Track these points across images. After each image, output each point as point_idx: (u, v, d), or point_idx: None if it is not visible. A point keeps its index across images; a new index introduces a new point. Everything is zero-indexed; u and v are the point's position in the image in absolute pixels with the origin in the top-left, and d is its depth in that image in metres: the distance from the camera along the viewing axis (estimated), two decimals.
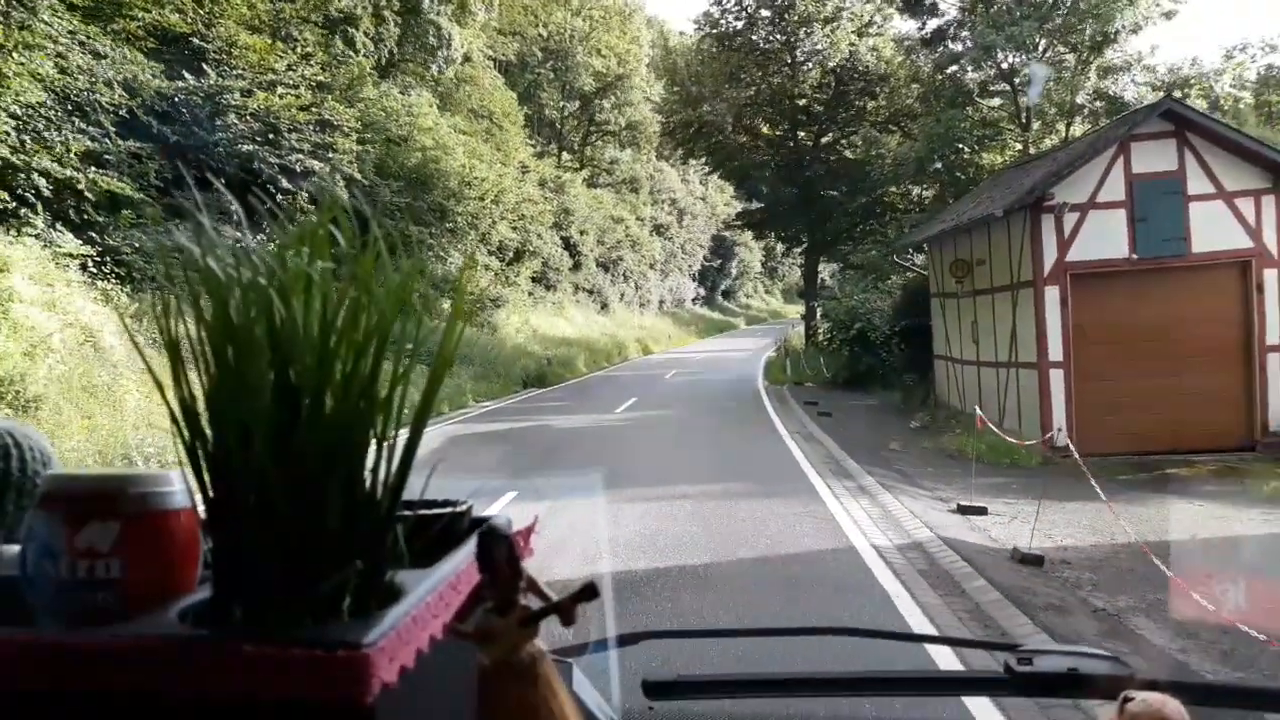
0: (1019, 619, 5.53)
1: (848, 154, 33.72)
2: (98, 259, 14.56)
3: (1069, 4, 22.96)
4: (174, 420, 0.62)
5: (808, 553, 7.36)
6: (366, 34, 30.22)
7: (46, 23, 14.66)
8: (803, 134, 34.57)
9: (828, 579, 6.65)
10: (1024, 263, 13.71)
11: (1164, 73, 25.94)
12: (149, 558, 0.64)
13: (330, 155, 21.66)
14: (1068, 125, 25.33)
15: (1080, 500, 9.00)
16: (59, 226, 14.45)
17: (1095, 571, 6.91)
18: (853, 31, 32.55)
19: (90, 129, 15.40)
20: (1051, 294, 13.31)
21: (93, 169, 15.03)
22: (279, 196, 18.73)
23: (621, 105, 56.68)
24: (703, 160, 40.12)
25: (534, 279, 38.32)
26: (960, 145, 24.94)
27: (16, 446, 1.32)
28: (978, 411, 10.84)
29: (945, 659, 4.43)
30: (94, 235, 14.99)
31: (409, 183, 27.33)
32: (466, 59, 38.98)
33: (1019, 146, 25.25)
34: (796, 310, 52.65)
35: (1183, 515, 9.25)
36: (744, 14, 33.65)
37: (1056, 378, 13.29)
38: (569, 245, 42.62)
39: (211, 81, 19.36)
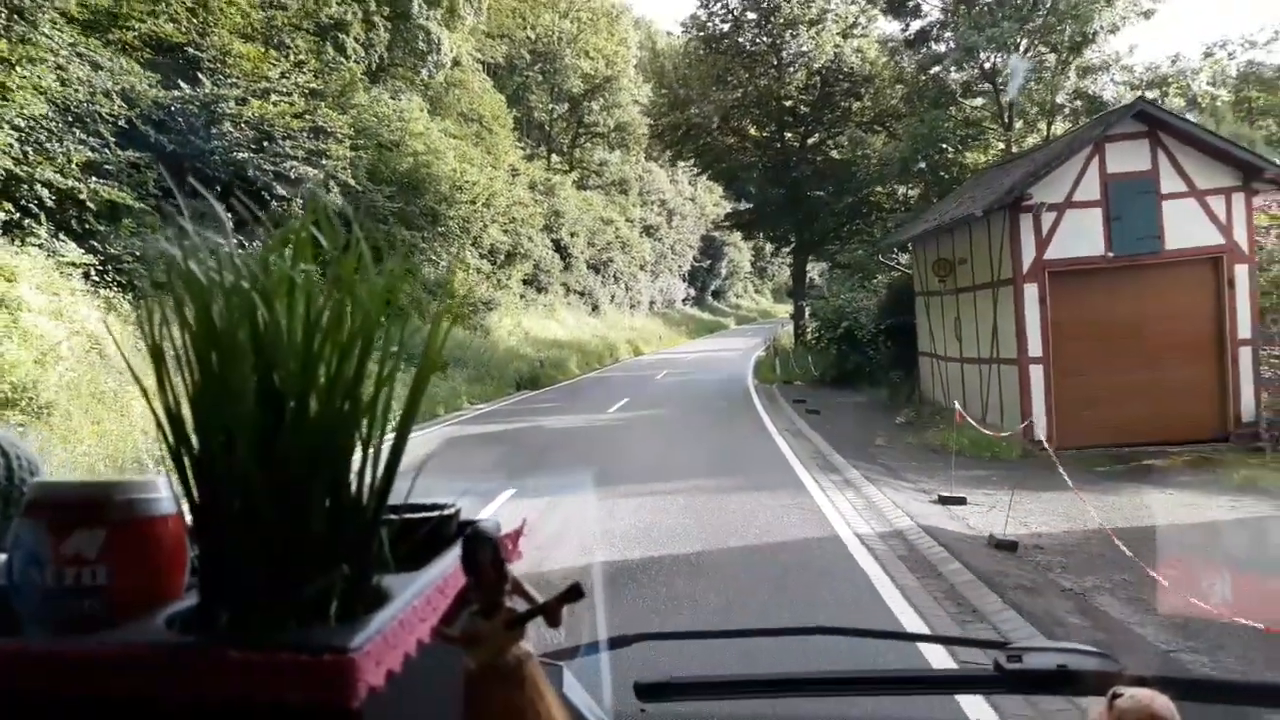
0: (990, 598, 5.94)
1: (834, 154, 34.09)
2: (100, 268, 14.86)
3: (1049, 5, 23.40)
4: (159, 426, 0.63)
5: (794, 541, 7.77)
6: (357, 40, 30.46)
7: (47, 35, 14.95)
8: (789, 135, 34.96)
9: (813, 565, 7.06)
10: (1004, 261, 14.10)
11: (1142, 71, 26.42)
12: (135, 564, 0.64)
13: (324, 162, 21.95)
14: (1049, 124, 25.77)
15: (1056, 490, 9.34)
16: (62, 236, 14.73)
17: (1066, 556, 7.30)
18: (837, 33, 32.94)
19: (90, 139, 15.68)
20: (1030, 291, 13.69)
21: (94, 179, 15.30)
22: (273, 203, 19.08)
23: (610, 107, 57.00)
24: (691, 162, 40.44)
25: (525, 281, 38.60)
26: (944, 145, 25.35)
27: (3, 455, 1.29)
28: (957, 406, 11.23)
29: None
30: (95, 244, 15.26)
31: (401, 187, 27.58)
32: (456, 63, 39.24)
33: (1001, 145, 25.66)
34: (786, 310, 53.03)
35: (1155, 503, 9.63)
36: (730, 17, 34.05)
37: (1036, 373, 13.67)
38: (559, 247, 42.89)
39: (207, 90, 19.65)
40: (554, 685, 0.82)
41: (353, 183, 23.15)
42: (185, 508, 0.66)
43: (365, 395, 0.64)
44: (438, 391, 20.34)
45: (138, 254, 15.23)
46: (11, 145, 13.75)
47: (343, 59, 28.70)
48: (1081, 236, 13.57)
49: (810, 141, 34.82)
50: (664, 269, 64.30)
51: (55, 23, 15.38)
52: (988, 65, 25.34)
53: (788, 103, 33.95)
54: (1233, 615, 5.22)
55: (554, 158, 53.98)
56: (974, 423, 11.90)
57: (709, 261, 75.64)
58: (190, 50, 20.48)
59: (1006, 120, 25.88)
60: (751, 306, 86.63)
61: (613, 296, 51.27)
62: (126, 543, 0.64)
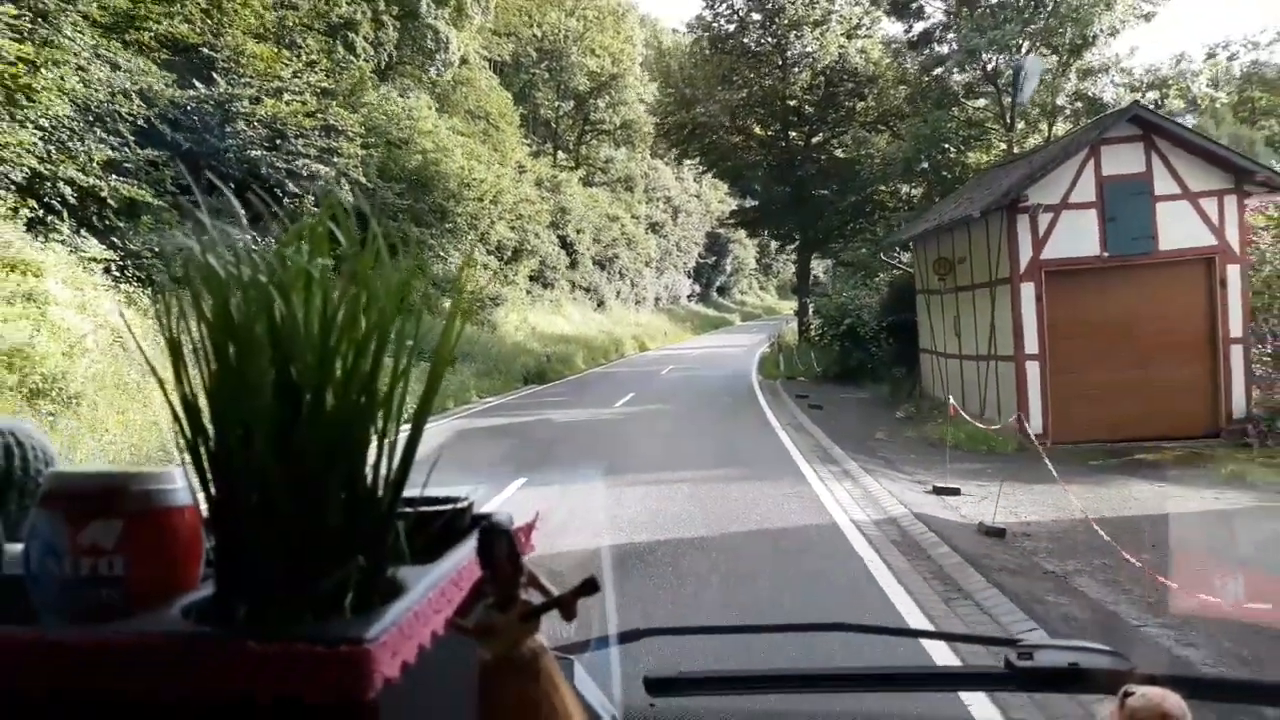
0: (975, 578, 6.34)
1: (838, 154, 34.42)
2: (120, 263, 15.29)
3: (1050, 8, 23.73)
4: (175, 418, 0.64)
5: (794, 527, 8.17)
6: (366, 39, 30.87)
7: (69, 38, 15.36)
8: (794, 134, 35.29)
9: (811, 548, 7.46)
10: (1001, 261, 14.43)
11: (1142, 73, 26.71)
12: (152, 555, 0.65)
13: (336, 159, 22.35)
14: (1050, 125, 26.10)
15: (1047, 482, 9.66)
16: (83, 232, 15.16)
17: (1052, 542, 7.68)
18: (842, 34, 33.25)
19: (110, 138, 16.10)
20: (1027, 290, 14.03)
21: (114, 176, 15.72)
22: (286, 200, 19.50)
23: (616, 104, 57.33)
24: (697, 160, 40.78)
25: (532, 277, 38.98)
26: (946, 145, 25.69)
27: (19, 445, 1.30)
28: (950, 400, 11.60)
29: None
30: (116, 240, 15.69)
31: (410, 185, 28.00)
32: (463, 61, 39.62)
33: (1003, 146, 25.98)
34: (791, 306, 53.33)
35: (1142, 495, 9.99)
36: (735, 17, 34.39)
37: (1033, 370, 14.01)
38: (566, 244, 43.25)
39: (221, 89, 20.05)
40: (565, 678, 0.84)
41: (364, 180, 23.56)
42: (200, 498, 0.67)
43: (381, 389, 0.65)
44: (448, 385, 20.74)
45: (156, 249, 15.65)
46: (36, 144, 14.16)
47: (353, 58, 29.10)
48: (1077, 237, 13.88)
49: (815, 141, 35.15)
50: (669, 265, 64.64)
51: (77, 25, 15.78)
52: (990, 67, 25.64)
53: (792, 102, 34.27)
54: (1199, 595, 5.61)
55: (560, 155, 54.37)
56: (968, 417, 12.30)
57: (714, 258, 75.96)
58: (205, 50, 20.87)
59: (1009, 121, 26.20)
60: (756, 303, 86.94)
61: (618, 292, 51.62)
62: (143, 533, 0.64)
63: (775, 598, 6.01)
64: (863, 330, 23.09)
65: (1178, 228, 13.70)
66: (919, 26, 28.84)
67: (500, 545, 0.72)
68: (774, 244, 49.33)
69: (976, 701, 4.09)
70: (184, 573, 0.67)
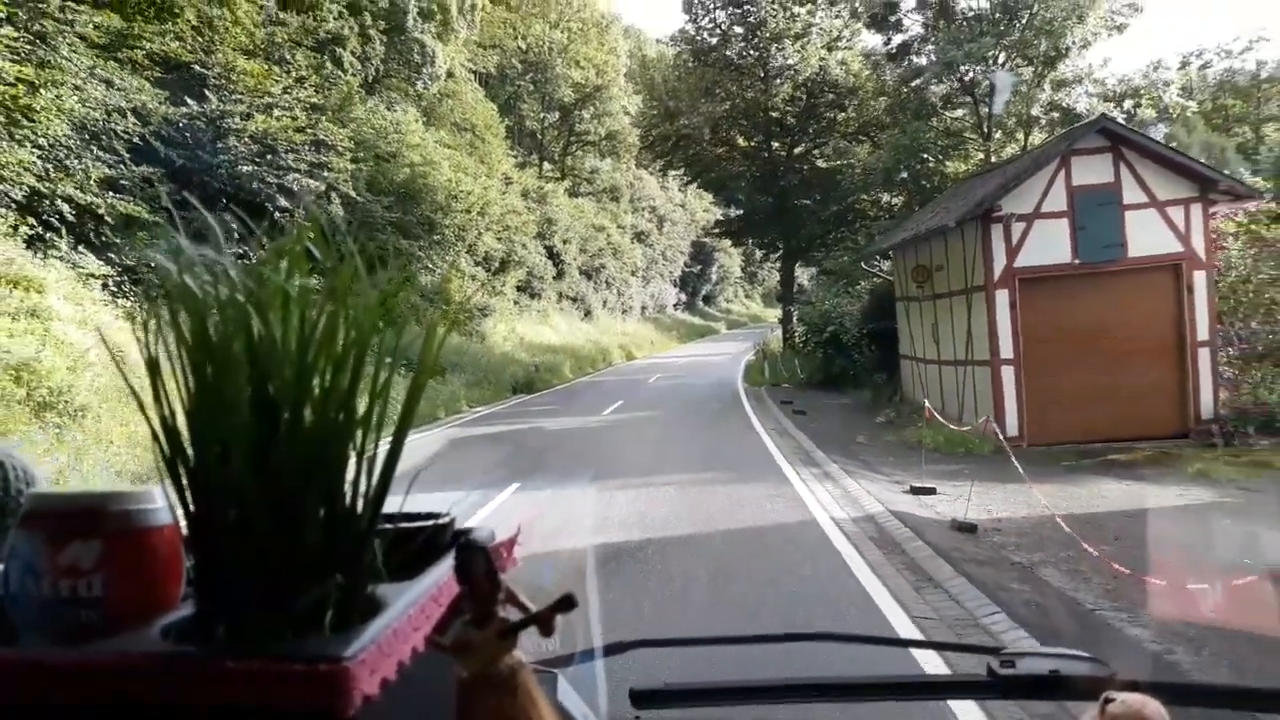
0: (945, 569, 6.77)
1: (820, 164, 34.96)
2: (117, 278, 15.62)
3: (1024, 21, 24.32)
4: (155, 437, 0.64)
5: (776, 525, 8.60)
6: (353, 53, 31.22)
7: (66, 58, 15.70)
8: (776, 145, 35.76)
9: (791, 543, 7.89)
10: (977, 269, 14.89)
11: (1114, 84, 27.37)
12: (131, 575, 0.65)
13: (325, 173, 22.72)
14: (1026, 135, 26.68)
15: (1021, 482, 10.13)
16: (81, 248, 15.50)
17: (1020, 537, 8.11)
18: (822, 47, 33.78)
19: (105, 155, 16.44)
20: (1002, 297, 14.48)
21: (110, 193, 16.06)
22: (276, 214, 19.83)
23: (601, 115, 57.86)
24: (681, 171, 41.25)
25: (519, 288, 39.33)
26: (925, 155, 26.22)
27: (0, 466, 1.31)
28: (926, 404, 12.05)
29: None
30: (113, 256, 16.02)
31: (398, 197, 28.33)
32: (449, 74, 40.01)
33: (981, 155, 26.52)
34: (776, 314, 53.83)
35: (1112, 493, 10.43)
36: (718, 31, 34.91)
37: (1008, 374, 14.44)
38: (552, 254, 43.58)
39: (213, 106, 20.40)
40: (549, 692, 0.83)
41: (353, 194, 23.93)
42: (181, 517, 0.66)
43: (360, 405, 0.65)
44: (438, 395, 21.10)
45: (150, 265, 15.95)
46: (35, 163, 14.49)
47: (340, 72, 29.46)
48: (1050, 245, 14.33)
49: (797, 151, 35.63)
50: (655, 274, 65.01)
51: (73, 46, 16.12)
52: (967, 78, 26.19)
53: (775, 114, 34.73)
54: (1152, 580, 6.05)
55: (546, 166, 54.79)
56: (943, 420, 12.75)
57: (700, 267, 76.38)
58: (197, 68, 21.22)
59: (986, 131, 26.75)
60: (742, 311, 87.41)
61: (605, 302, 51.96)
62: (123, 553, 0.64)
63: (758, 588, 6.43)
64: (845, 337, 23.50)
65: (1146, 235, 14.14)
66: (898, 39, 29.40)
67: (478, 562, 0.72)
68: (758, 253, 49.73)
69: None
70: (164, 592, 0.67)
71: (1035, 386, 14.31)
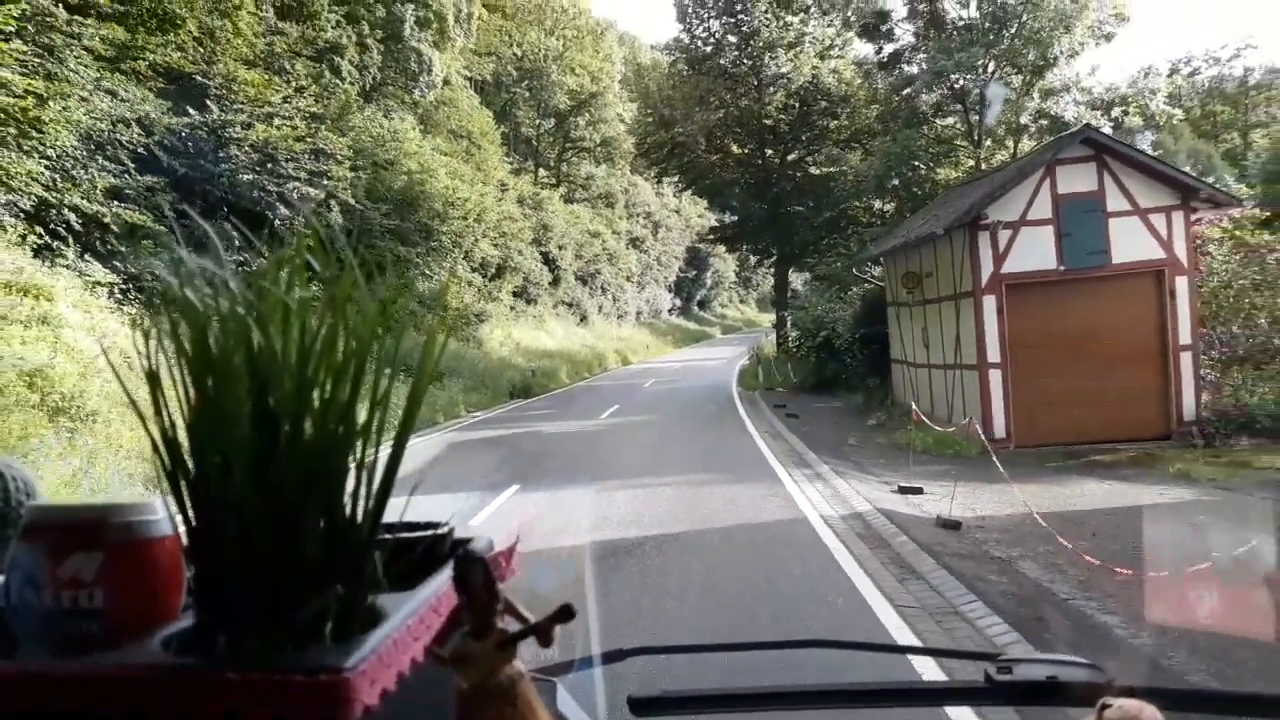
0: (928, 562, 7.12)
1: (813, 171, 35.37)
2: (123, 286, 15.92)
3: (1013, 31, 24.74)
4: (155, 449, 0.64)
5: (768, 522, 8.96)
6: (351, 62, 31.56)
7: (73, 70, 16.01)
8: (770, 152, 36.14)
9: (782, 539, 8.25)
10: (965, 275, 15.22)
11: (1101, 92, 27.80)
12: (132, 587, 0.65)
13: (325, 182, 23.03)
14: (1015, 143, 27.09)
15: (1006, 482, 10.52)
16: (87, 257, 15.80)
17: (1002, 533, 8.45)
18: (815, 55, 34.20)
19: (110, 165, 16.74)
20: (989, 303, 14.81)
21: (115, 203, 16.36)
22: (277, 222, 20.12)
23: (596, 122, 58.26)
24: (676, 178, 41.62)
25: (515, 294, 39.61)
26: (916, 163, 26.63)
27: (0, 477, 1.31)
28: (913, 406, 12.39)
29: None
30: (118, 264, 16.31)
31: (396, 205, 28.63)
32: (445, 82, 40.38)
33: (971, 163, 26.91)
34: (770, 319, 54.19)
35: (1094, 492, 10.77)
36: (712, 40, 35.32)
37: (995, 378, 14.78)
38: (548, 260, 43.89)
39: (215, 116, 20.70)
40: (548, 700, 0.82)
41: (352, 202, 24.25)
42: (181, 528, 0.67)
43: (360, 416, 0.65)
44: (437, 400, 21.41)
45: (153, 274, 16.22)
46: (43, 173, 14.80)
47: (339, 81, 29.79)
48: (1035, 252, 14.67)
49: (790, 159, 36.02)
50: (650, 280, 65.32)
51: (80, 58, 16.44)
52: (957, 87, 26.58)
53: (768, 122, 35.11)
54: (1123, 571, 6.39)
55: (541, 172, 55.13)
56: (932, 423, 13.10)
57: (694, 272, 76.68)
58: (198, 78, 21.52)
59: (976, 139, 27.15)
60: (737, 316, 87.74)
61: (600, 307, 52.22)
62: (124, 565, 0.65)
63: (750, 580, 6.78)
64: (837, 342, 23.82)
65: (1129, 242, 14.49)
66: (889, 48, 29.82)
67: (476, 573, 0.72)
68: (753, 258, 50.08)
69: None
70: (164, 604, 0.68)
71: (1022, 390, 14.62)
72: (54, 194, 15.06)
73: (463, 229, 32.66)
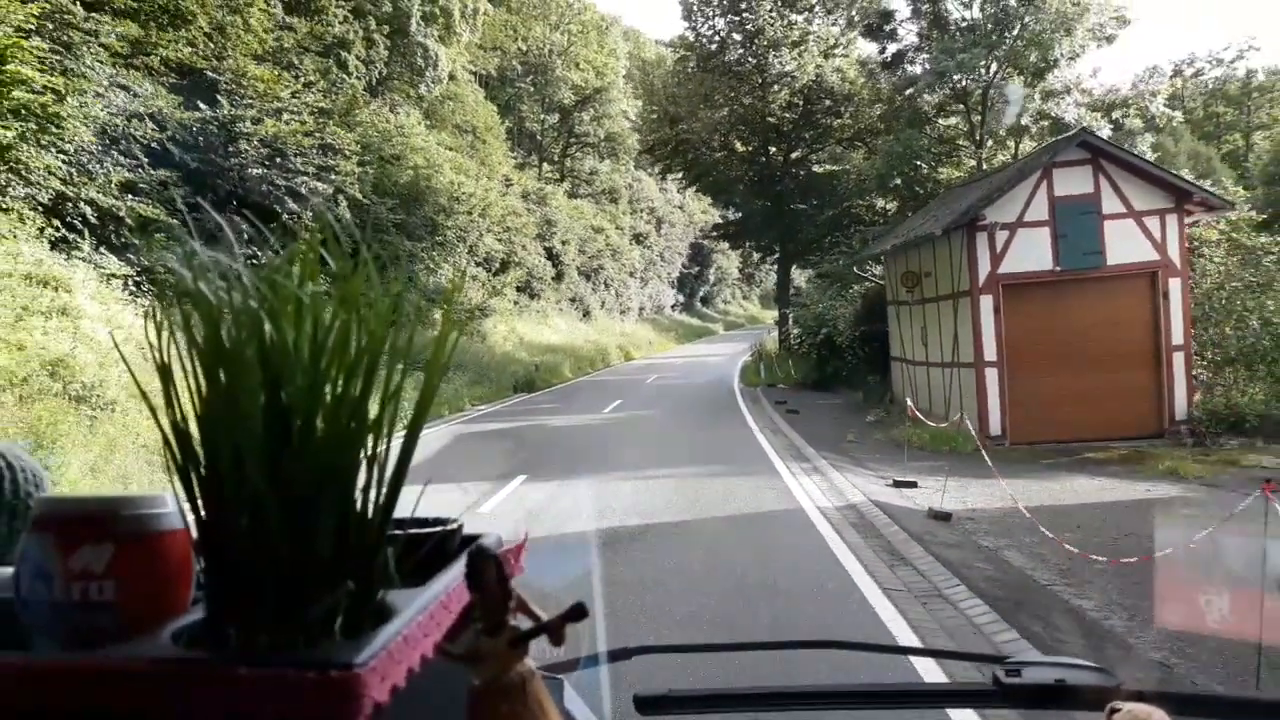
0: (917, 550, 7.46)
1: (816, 169, 35.63)
2: (137, 278, 16.26)
3: (1015, 33, 25.00)
4: (166, 443, 0.64)
5: (765, 513, 9.31)
6: (358, 57, 31.85)
7: (90, 66, 16.36)
8: (774, 150, 36.38)
9: (778, 527, 8.60)
10: (962, 275, 15.51)
11: (1102, 94, 28.08)
12: (142, 579, 0.65)
13: (333, 177, 23.35)
14: (1016, 143, 27.36)
15: (998, 477, 10.84)
16: (102, 250, 16.14)
17: (992, 524, 8.79)
18: (819, 54, 34.44)
19: (125, 160, 17.08)
20: (986, 302, 15.10)
21: (129, 196, 16.71)
22: (285, 216, 20.45)
23: (600, 117, 58.56)
24: (680, 175, 41.90)
25: (519, 288, 39.91)
26: (918, 162, 26.90)
27: (9, 468, 1.31)
28: (909, 403, 12.70)
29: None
30: (132, 257, 16.65)
31: (402, 200, 28.95)
32: (451, 77, 40.65)
33: (973, 163, 27.16)
34: (773, 316, 54.46)
35: (1084, 488, 11.08)
36: (717, 38, 35.61)
37: (992, 376, 15.06)
38: (552, 255, 44.20)
39: (225, 111, 21.02)
40: (555, 698, 0.84)
41: (360, 196, 24.57)
42: (191, 521, 0.67)
43: (371, 412, 0.65)
44: (442, 393, 21.73)
45: (165, 267, 16.55)
46: (60, 168, 15.13)
47: (345, 76, 30.09)
48: (1032, 252, 14.94)
49: (794, 156, 36.26)
50: (653, 276, 65.57)
51: (97, 55, 16.78)
52: (959, 87, 26.83)
53: (772, 120, 35.31)
54: (1099, 559, 6.72)
55: (545, 167, 55.41)
56: (931, 420, 13.43)
57: (697, 268, 76.96)
58: (209, 73, 21.86)
59: (978, 139, 27.40)
60: (739, 312, 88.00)
61: (603, 303, 52.53)
62: (134, 558, 0.65)
63: (747, 564, 7.12)
64: (838, 339, 24.12)
65: (1123, 244, 14.75)
66: (892, 48, 30.10)
67: (490, 570, 0.72)
68: (756, 255, 50.34)
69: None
70: (174, 597, 0.68)
71: (1018, 388, 14.90)
72: (71, 188, 15.40)
73: (468, 224, 32.98)
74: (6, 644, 0.64)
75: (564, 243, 45.99)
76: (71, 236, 15.49)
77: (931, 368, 17.49)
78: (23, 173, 14.30)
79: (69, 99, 15.11)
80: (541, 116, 55.44)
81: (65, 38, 15.70)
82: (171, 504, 0.67)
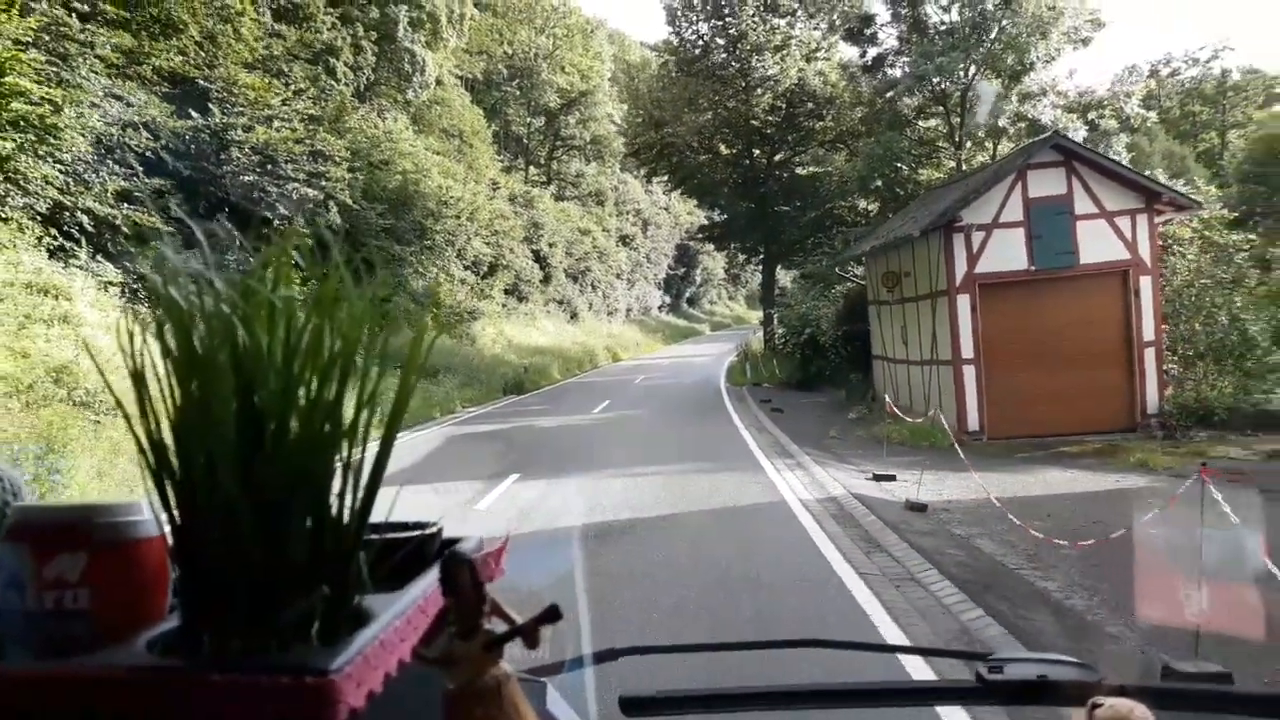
0: (892, 538, 7.88)
1: (799, 171, 36.09)
2: (133, 286, 16.55)
3: (992, 36, 25.50)
4: (140, 450, 0.64)
5: (749, 506, 9.73)
6: (346, 63, 32.11)
7: (85, 78, 16.65)
8: (757, 153, 36.80)
9: (761, 518, 9.03)
10: (940, 275, 15.92)
11: (1077, 96, 28.62)
12: (117, 587, 0.65)
13: (323, 183, 23.66)
14: (995, 145, 27.86)
15: (974, 470, 11.26)
16: (99, 258, 16.43)
17: (965, 515, 9.21)
18: (801, 58, 34.87)
19: (120, 169, 17.36)
20: (963, 301, 15.52)
21: (125, 205, 16.99)
22: (277, 222, 20.70)
23: (586, 120, 58.90)
24: (665, 177, 42.29)
25: (507, 291, 40.24)
26: (899, 164, 27.36)
27: None
28: (887, 399, 13.12)
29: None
30: (127, 264, 16.92)
31: (391, 204, 29.27)
32: (438, 81, 40.94)
33: (952, 164, 27.63)
34: (759, 316, 55.01)
35: (1056, 480, 11.51)
36: (700, 42, 36.02)
37: (969, 373, 15.49)
38: (539, 258, 44.56)
39: (217, 119, 21.30)
40: (538, 701, 0.84)
41: (349, 202, 24.89)
42: (167, 528, 0.66)
43: (346, 415, 0.65)
44: (433, 395, 22.09)
45: (139, 273, 16.81)
46: (58, 178, 15.43)
47: (334, 82, 30.37)
48: (1007, 253, 15.37)
49: (777, 159, 36.68)
50: (640, 277, 66.03)
51: (92, 66, 17.06)
52: (939, 90, 27.30)
53: (755, 123, 35.71)
54: (1062, 543, 7.15)
55: (532, 170, 55.72)
56: (910, 416, 13.85)
57: (684, 269, 77.45)
58: (201, 82, 22.13)
59: (957, 141, 27.88)
60: (725, 313, 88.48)
61: (591, 304, 52.95)
62: (108, 566, 0.64)
63: (731, 553, 7.53)
64: (822, 339, 24.55)
65: (1096, 244, 15.20)
66: (873, 52, 30.53)
67: (463, 574, 0.72)
68: (741, 256, 50.77)
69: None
70: (150, 604, 0.67)
71: (995, 384, 15.31)
72: (68, 197, 15.69)
73: (455, 227, 33.31)
74: None
75: (551, 245, 46.33)
76: (69, 245, 15.79)
77: (912, 366, 17.91)
78: (21, 183, 14.60)
79: (66, 110, 15.40)
80: (528, 120, 55.77)
81: (62, 49, 15.99)
82: (147, 511, 0.67)
